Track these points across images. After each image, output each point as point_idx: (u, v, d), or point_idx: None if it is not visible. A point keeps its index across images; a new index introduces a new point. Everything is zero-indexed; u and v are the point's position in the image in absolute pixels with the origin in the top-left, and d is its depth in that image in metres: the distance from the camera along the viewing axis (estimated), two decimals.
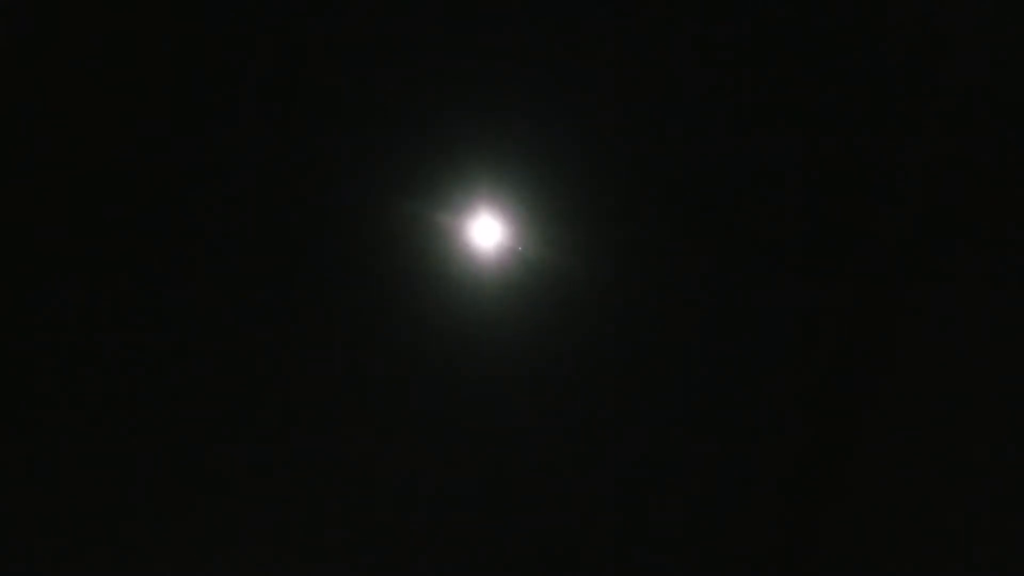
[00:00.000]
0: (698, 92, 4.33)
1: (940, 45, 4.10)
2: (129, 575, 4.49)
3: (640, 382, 4.52)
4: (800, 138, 4.30)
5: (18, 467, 4.39)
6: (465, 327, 4.38)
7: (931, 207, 4.23)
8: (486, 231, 4.41)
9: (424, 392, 4.44)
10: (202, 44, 4.16)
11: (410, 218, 4.26)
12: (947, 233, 4.25)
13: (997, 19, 4.01)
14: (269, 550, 4.48)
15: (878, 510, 4.44)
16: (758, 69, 4.30)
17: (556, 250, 4.40)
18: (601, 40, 4.24)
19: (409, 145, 4.19)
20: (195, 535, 4.53)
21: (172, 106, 4.22)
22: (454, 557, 4.52)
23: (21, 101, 4.31)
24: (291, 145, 4.20)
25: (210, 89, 4.18)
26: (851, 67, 4.19)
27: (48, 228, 4.43)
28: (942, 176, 4.18)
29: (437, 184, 4.26)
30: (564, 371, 4.49)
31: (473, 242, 4.41)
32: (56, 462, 4.42)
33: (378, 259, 4.29)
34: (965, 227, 4.23)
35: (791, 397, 4.48)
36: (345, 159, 4.20)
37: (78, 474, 4.44)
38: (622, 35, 4.25)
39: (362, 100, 4.16)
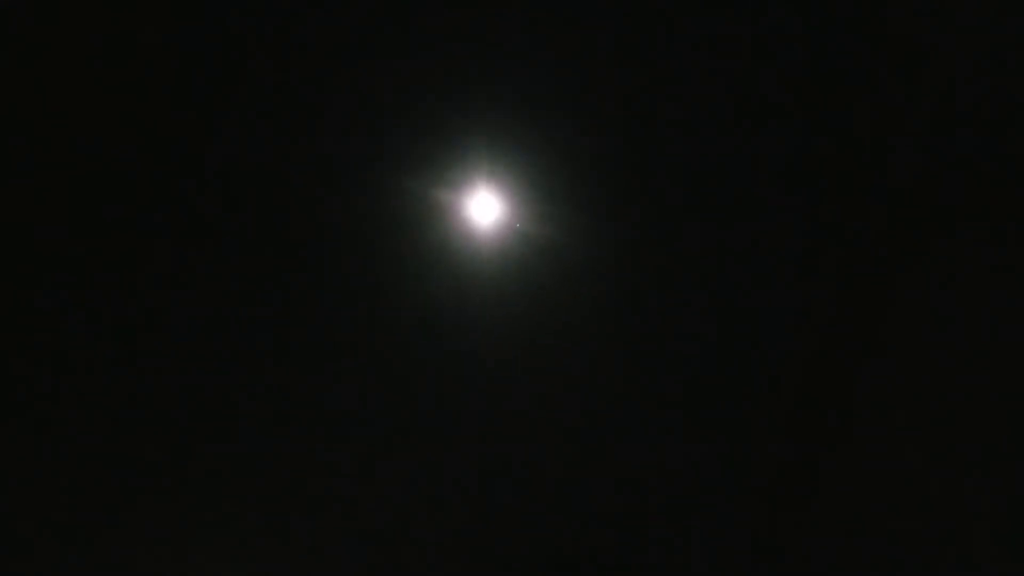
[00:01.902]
0: (700, 76, 4.33)
1: (938, 45, 4.12)
2: (127, 574, 4.44)
3: (638, 362, 4.49)
4: (800, 125, 4.34)
5: (18, 467, 4.35)
6: (462, 304, 4.35)
7: (929, 206, 4.26)
8: (484, 208, 4.41)
9: (421, 372, 4.40)
10: (205, 25, 4.18)
11: (407, 195, 4.26)
12: (944, 232, 4.26)
13: (995, 19, 4.05)
14: (272, 540, 4.42)
15: (871, 508, 4.43)
16: (760, 58, 4.31)
17: (555, 227, 4.40)
18: (603, 19, 4.25)
19: (406, 121, 4.21)
20: (198, 531, 4.47)
21: (173, 87, 4.23)
22: (448, 539, 4.47)
23: (21, 101, 4.30)
24: (288, 124, 4.22)
25: (210, 67, 4.20)
26: (850, 67, 4.22)
27: (48, 228, 4.38)
28: (940, 175, 4.20)
29: (434, 160, 4.27)
30: (562, 349, 4.46)
31: (471, 219, 4.40)
32: (55, 461, 4.38)
33: (373, 236, 4.27)
34: (962, 226, 4.24)
35: (787, 379, 4.47)
36: (341, 136, 4.21)
37: (77, 473, 4.40)
38: (624, 15, 4.27)
39: (360, 78, 4.19)
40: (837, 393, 4.44)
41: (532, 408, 4.55)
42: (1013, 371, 4.26)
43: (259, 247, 4.28)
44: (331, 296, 4.35)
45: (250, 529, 4.51)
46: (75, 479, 4.39)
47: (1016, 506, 4.26)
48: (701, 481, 4.53)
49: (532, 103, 4.27)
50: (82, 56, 4.27)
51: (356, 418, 4.46)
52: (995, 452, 4.29)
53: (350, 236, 4.28)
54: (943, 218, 4.26)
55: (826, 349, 4.43)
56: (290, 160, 4.21)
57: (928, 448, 4.34)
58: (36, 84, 4.31)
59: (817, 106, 4.24)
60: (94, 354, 4.38)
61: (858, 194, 4.28)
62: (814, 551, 4.52)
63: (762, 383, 4.49)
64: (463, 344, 4.41)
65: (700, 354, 4.50)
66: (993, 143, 4.12)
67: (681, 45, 4.31)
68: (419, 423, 4.48)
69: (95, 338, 4.39)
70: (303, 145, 4.22)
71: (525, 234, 4.38)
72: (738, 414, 4.51)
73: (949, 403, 4.32)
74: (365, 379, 4.43)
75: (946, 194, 4.23)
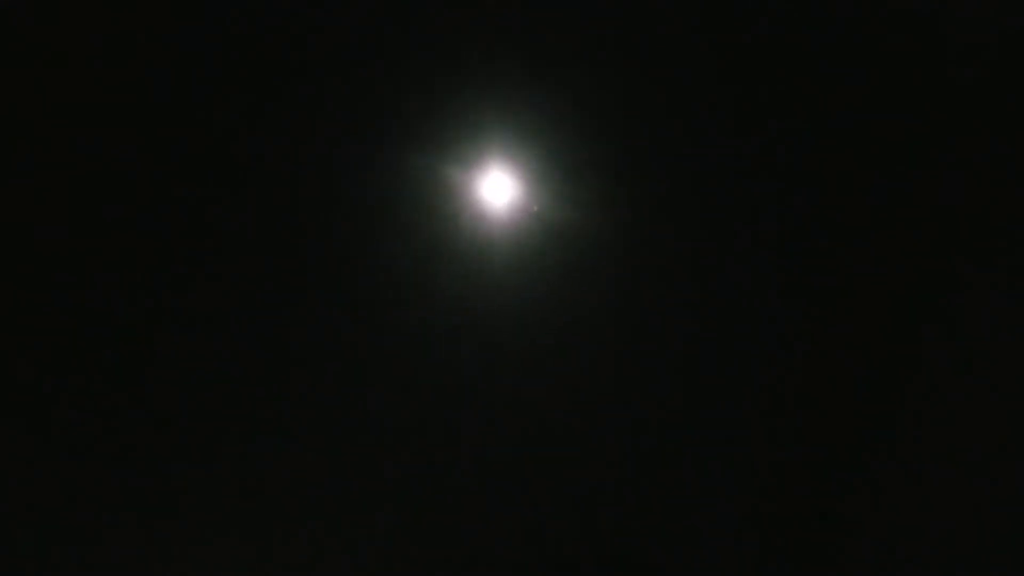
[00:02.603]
0: (727, 54, 4.09)
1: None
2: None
3: (662, 354, 4.22)
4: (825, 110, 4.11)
5: (18, 468, 4.16)
6: (473, 293, 4.06)
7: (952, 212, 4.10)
8: (498, 188, 4.10)
9: (429, 364, 4.12)
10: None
11: (413, 174, 3.98)
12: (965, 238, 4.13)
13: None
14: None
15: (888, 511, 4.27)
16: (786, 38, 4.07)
17: (575, 210, 4.09)
18: None
19: (416, 95, 3.94)
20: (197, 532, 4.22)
21: (171, 65, 4.03)
22: (453, 539, 4.21)
23: (21, 101, 4.14)
24: (287, 98, 3.97)
25: (215, 40, 3.98)
26: (893, 68, 4.06)
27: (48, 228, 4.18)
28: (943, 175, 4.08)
29: (444, 136, 3.98)
30: (581, 341, 4.16)
31: (483, 200, 4.10)
32: (54, 462, 4.18)
33: (376, 218, 3.99)
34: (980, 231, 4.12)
35: (812, 365, 4.23)
36: (343, 111, 3.94)
37: (76, 474, 4.19)
38: None
39: (365, 47, 3.93)
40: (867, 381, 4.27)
41: (548, 403, 4.24)
42: None
43: (254, 231, 4.03)
44: (331, 283, 4.08)
45: (251, 531, 4.27)
46: (74, 481, 4.21)
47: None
48: (726, 474, 4.29)
49: (551, 73, 3.98)
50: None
51: (358, 412, 4.18)
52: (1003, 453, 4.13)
53: (351, 218, 4.01)
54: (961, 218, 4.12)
55: (860, 334, 4.24)
56: (288, 138, 3.96)
57: (940, 451, 4.19)
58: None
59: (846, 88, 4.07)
60: (91, 350, 4.21)
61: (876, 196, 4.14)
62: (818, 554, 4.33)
63: (785, 370, 4.27)
64: (473, 335, 4.11)
65: (726, 344, 4.23)
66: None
67: (708, 19, 4.03)
68: (426, 418, 4.18)
69: (90, 332, 4.21)
70: (302, 121, 3.96)
71: (542, 217, 4.06)
72: (762, 404, 4.28)
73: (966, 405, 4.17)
74: (368, 371, 4.15)
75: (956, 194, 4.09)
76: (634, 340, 4.24)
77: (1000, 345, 4.12)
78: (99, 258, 4.21)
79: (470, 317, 4.08)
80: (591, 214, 4.04)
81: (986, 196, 4.05)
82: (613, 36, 4.02)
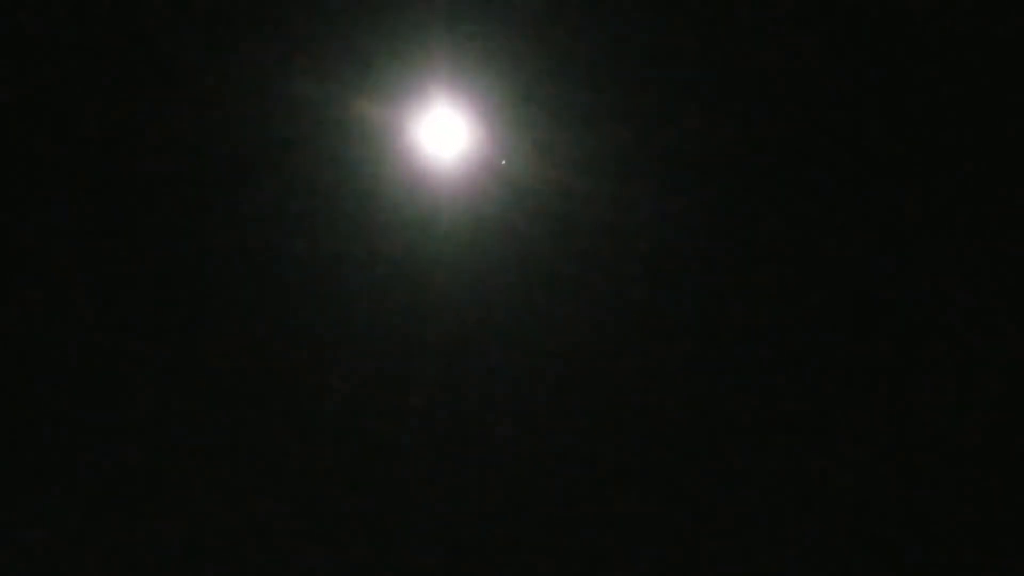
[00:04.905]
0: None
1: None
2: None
3: (645, 341, 3.61)
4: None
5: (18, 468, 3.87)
6: (421, 268, 3.24)
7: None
8: (445, 132, 3.23)
9: (372, 354, 3.48)
10: None
11: (335, 111, 3.12)
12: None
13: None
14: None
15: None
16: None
17: (546, 165, 3.17)
18: None
19: (339, 13, 3.09)
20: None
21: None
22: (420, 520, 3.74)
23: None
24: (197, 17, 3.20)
25: None
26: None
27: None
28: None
29: (376, 62, 3.10)
30: (546, 326, 3.45)
31: (426, 149, 3.23)
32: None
33: (297, 169, 3.19)
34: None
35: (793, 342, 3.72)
36: (251, 31, 3.12)
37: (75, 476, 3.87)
38: None
39: None
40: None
41: (515, 394, 3.66)
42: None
43: (159, 197, 3.32)
44: (245, 260, 3.34)
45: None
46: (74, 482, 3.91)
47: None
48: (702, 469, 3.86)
49: None
50: None
51: (288, 409, 3.64)
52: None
53: (266, 168, 3.21)
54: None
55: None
56: (191, 65, 3.18)
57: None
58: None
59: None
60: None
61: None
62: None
63: (768, 353, 3.82)
64: (419, 319, 3.33)
65: (713, 328, 3.68)
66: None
67: None
68: (369, 413, 3.61)
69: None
70: (202, 45, 3.17)
71: (502, 174, 3.15)
72: (745, 392, 3.83)
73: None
74: (298, 366, 3.54)
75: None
76: (617, 321, 3.59)
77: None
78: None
79: (416, 294, 3.28)
80: (563, 169, 3.10)
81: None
82: None
